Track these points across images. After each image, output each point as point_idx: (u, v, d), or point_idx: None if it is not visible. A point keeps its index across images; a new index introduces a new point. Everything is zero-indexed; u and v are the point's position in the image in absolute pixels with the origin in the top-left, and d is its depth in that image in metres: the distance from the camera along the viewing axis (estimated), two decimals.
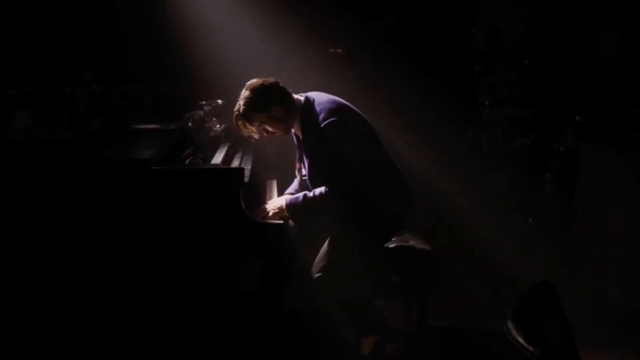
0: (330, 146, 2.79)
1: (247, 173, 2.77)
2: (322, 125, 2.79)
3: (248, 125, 2.86)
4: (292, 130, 2.98)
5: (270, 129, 2.89)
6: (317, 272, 2.89)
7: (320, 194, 2.82)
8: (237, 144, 3.61)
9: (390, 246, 3.09)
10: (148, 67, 5.00)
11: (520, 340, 1.38)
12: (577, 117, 4.24)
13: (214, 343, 2.77)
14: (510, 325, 1.43)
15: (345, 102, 2.97)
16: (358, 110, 2.97)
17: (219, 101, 3.98)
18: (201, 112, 3.63)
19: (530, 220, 4.51)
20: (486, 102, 4.76)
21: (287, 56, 4.96)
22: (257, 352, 2.78)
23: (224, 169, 2.88)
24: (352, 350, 3.00)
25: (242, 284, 2.83)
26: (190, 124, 3.16)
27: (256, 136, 2.93)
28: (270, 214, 2.88)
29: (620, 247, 3.78)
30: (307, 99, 2.90)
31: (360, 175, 2.80)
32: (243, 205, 2.60)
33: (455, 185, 4.64)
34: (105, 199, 2.54)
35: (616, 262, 3.79)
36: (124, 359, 2.65)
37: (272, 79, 2.88)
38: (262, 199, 3.16)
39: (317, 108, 2.84)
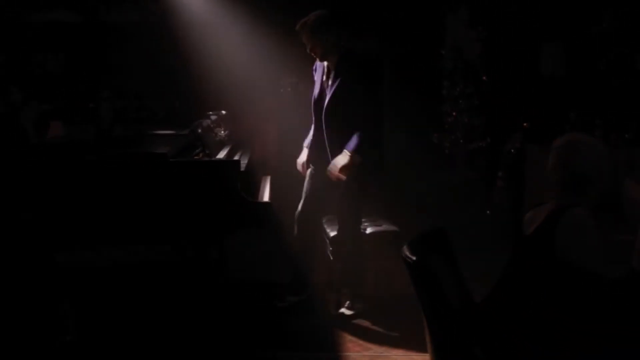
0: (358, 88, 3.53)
1: (243, 164, 3.51)
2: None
3: (306, 37, 3.61)
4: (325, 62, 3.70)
5: (315, 49, 3.63)
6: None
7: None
8: (238, 146, 4.36)
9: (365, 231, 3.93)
10: (161, 84, 5.71)
11: (407, 253, 2.09)
12: (524, 123, 4.97)
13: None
14: (404, 247, 2.15)
15: None
16: None
17: (223, 112, 4.71)
18: (208, 121, 4.31)
19: (488, 212, 5.17)
20: (454, 113, 5.43)
21: (285, 74, 5.57)
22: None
23: (226, 160, 3.64)
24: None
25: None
26: (199, 129, 3.90)
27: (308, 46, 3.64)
28: (339, 172, 3.53)
29: None
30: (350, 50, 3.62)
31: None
32: (239, 188, 3.32)
33: (423, 181, 5.27)
34: (133, 184, 3.26)
35: None
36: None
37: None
38: (258, 189, 3.93)
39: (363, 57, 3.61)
